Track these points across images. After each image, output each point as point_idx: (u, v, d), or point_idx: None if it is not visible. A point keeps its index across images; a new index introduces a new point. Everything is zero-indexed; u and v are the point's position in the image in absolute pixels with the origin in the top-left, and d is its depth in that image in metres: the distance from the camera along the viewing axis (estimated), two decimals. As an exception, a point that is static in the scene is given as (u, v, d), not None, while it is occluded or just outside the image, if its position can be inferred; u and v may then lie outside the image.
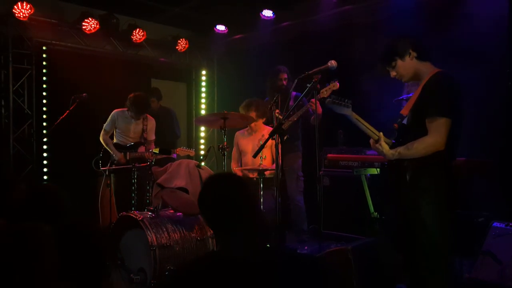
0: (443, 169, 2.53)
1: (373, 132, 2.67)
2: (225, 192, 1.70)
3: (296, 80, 3.46)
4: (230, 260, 1.53)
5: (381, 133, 2.64)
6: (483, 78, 4.10)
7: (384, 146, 2.60)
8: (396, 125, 2.72)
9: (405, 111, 2.70)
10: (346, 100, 2.65)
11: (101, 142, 5.18)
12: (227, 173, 1.94)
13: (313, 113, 4.68)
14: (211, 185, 1.77)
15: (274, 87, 5.04)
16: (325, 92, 4.08)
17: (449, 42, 4.56)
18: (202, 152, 7.52)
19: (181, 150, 4.78)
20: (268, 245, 2.12)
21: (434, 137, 2.46)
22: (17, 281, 1.51)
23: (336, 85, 4.13)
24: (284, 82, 5.03)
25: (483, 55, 4.19)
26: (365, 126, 2.68)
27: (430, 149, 2.48)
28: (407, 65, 2.68)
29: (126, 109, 5.21)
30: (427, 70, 2.65)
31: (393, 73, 2.75)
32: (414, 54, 2.66)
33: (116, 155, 5.10)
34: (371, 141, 2.68)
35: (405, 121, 2.68)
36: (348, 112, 2.67)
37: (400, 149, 2.56)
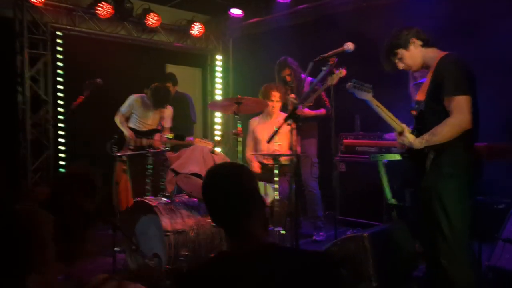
0: (465, 154, 2.47)
1: (395, 123, 2.61)
2: (228, 183, 1.59)
3: (311, 64, 3.39)
4: (241, 259, 1.47)
5: (404, 125, 2.58)
6: (503, 59, 3.97)
7: (409, 137, 2.55)
8: (414, 112, 2.66)
9: (420, 96, 2.65)
10: (367, 85, 2.62)
11: (116, 126, 5.18)
12: (229, 163, 1.81)
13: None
14: (213, 176, 1.66)
15: (282, 82, 4.99)
16: (332, 80, 4.00)
17: (469, 21, 4.40)
18: (217, 138, 7.50)
19: (200, 141, 4.75)
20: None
21: (459, 117, 2.40)
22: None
23: (342, 72, 4.05)
24: (288, 78, 4.96)
25: (507, 32, 4.05)
26: (385, 114, 2.63)
27: (457, 129, 2.42)
28: (413, 54, 2.65)
29: (145, 95, 5.18)
30: (435, 55, 2.61)
31: (400, 65, 2.71)
32: (418, 42, 2.64)
33: (127, 132, 5.09)
34: (395, 133, 2.63)
35: (422, 107, 2.61)
36: (369, 97, 2.63)
37: (426, 136, 2.50)
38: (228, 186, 1.58)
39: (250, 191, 1.60)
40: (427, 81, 2.65)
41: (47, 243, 1.49)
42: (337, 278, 1.51)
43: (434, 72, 2.55)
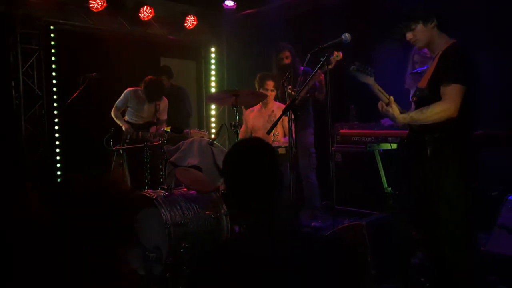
0: (464, 142, 2.50)
1: (384, 96, 2.67)
2: (253, 160, 1.51)
3: (309, 55, 3.40)
4: (258, 244, 1.44)
5: (391, 97, 2.63)
6: (503, 48, 3.99)
7: (395, 109, 2.58)
8: (414, 98, 2.69)
9: (422, 83, 2.67)
10: (369, 69, 2.66)
11: (112, 120, 5.18)
12: (256, 138, 1.67)
13: (319, 85, 4.65)
14: (239, 150, 1.59)
15: (279, 66, 4.99)
16: (329, 65, 4.02)
17: (475, 11, 4.39)
18: (213, 130, 7.50)
19: (195, 132, 4.76)
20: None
21: (447, 103, 2.45)
22: None
23: (339, 55, 4.09)
24: (286, 61, 4.96)
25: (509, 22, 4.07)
26: (383, 94, 2.67)
27: (442, 114, 2.46)
28: (426, 31, 2.65)
29: (140, 88, 5.18)
30: (442, 41, 2.64)
31: (409, 36, 2.70)
32: (435, 23, 2.63)
33: (124, 125, 5.10)
34: (380, 104, 2.66)
35: (423, 94, 2.64)
36: (371, 81, 2.68)
37: (412, 114, 2.56)
38: (255, 162, 1.51)
39: (276, 170, 1.54)
40: (430, 68, 2.67)
41: None
42: (358, 264, 1.51)
43: (439, 60, 2.59)
